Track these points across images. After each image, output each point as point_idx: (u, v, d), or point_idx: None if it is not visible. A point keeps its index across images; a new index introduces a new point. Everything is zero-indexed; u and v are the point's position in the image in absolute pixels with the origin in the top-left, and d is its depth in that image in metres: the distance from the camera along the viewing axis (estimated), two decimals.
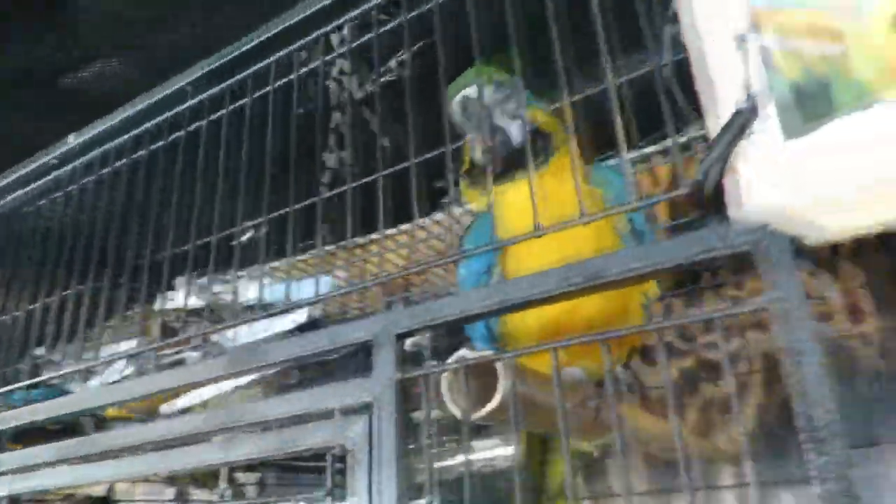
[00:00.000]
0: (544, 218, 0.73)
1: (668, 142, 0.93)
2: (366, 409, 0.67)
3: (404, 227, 2.08)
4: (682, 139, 1.93)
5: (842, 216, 0.50)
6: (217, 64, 1.05)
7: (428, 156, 0.95)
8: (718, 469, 1.63)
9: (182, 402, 1.57)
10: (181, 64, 1.09)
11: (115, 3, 1.38)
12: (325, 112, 1.82)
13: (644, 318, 0.98)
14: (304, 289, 1.42)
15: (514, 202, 0.95)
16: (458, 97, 1.04)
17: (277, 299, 1.38)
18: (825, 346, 0.47)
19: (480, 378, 0.66)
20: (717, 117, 0.56)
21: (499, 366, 0.63)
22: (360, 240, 2.24)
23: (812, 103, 0.53)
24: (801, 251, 0.50)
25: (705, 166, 0.52)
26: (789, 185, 0.51)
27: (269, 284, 1.44)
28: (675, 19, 0.66)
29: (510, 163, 1.01)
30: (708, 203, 0.54)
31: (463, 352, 0.65)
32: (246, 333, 1.31)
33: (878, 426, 1.46)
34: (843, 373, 1.50)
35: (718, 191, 0.54)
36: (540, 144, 1.02)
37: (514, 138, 1.03)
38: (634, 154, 1.60)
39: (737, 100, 0.51)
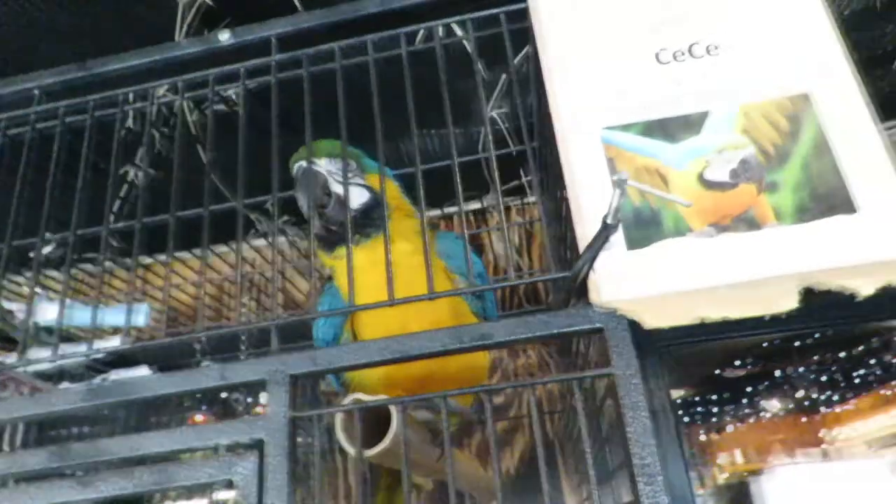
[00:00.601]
0: (384, 283, 0.83)
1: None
2: (256, 446, 0.71)
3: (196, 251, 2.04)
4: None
5: (666, 311, 0.69)
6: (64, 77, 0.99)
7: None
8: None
9: None
10: None
11: None
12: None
13: (487, 361, 1.12)
14: (112, 314, 1.34)
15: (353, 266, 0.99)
16: (296, 168, 1.10)
17: (83, 323, 1.28)
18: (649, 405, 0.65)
19: (368, 419, 0.74)
20: (581, 223, 0.74)
21: (392, 409, 0.72)
22: (147, 260, 2.13)
23: (648, 225, 0.73)
24: (640, 332, 0.68)
25: (580, 264, 0.69)
26: (629, 284, 0.70)
27: (69, 307, 1.32)
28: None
29: (340, 227, 1.07)
30: (577, 290, 0.71)
31: (358, 394, 0.72)
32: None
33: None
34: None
35: (584, 281, 0.71)
36: (375, 211, 1.10)
37: (349, 204, 1.08)
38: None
39: (604, 215, 0.68)
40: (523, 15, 0.93)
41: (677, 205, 0.73)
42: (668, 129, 0.77)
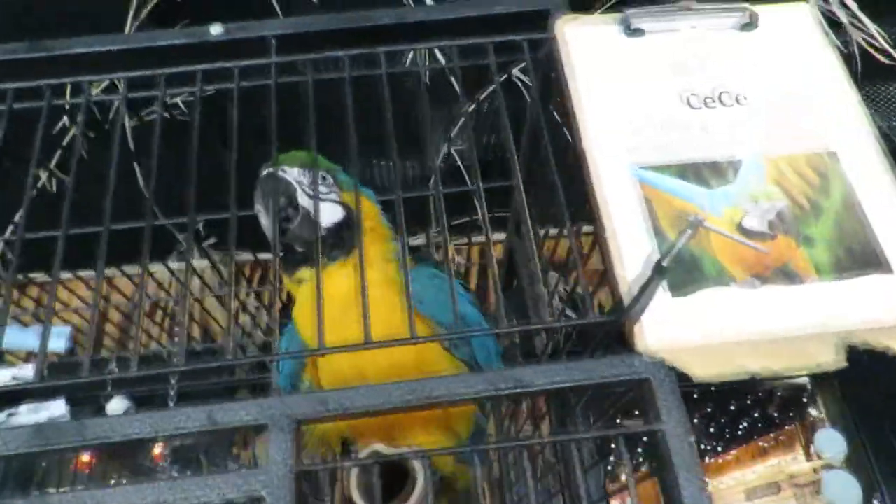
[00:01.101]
0: (347, 317, 0.75)
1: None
2: None
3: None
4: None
5: (713, 361, 0.65)
6: None
7: None
8: None
9: None
10: None
11: None
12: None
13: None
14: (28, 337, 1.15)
15: (332, 291, 0.87)
16: (262, 175, 0.98)
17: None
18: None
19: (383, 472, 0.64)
20: (621, 265, 0.70)
21: (416, 464, 0.63)
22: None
23: (690, 271, 0.69)
24: (688, 384, 0.64)
25: (631, 308, 0.64)
26: (675, 332, 0.66)
27: None
28: None
29: (308, 246, 0.96)
30: (620, 336, 0.66)
31: (377, 446, 0.63)
32: None
33: None
34: None
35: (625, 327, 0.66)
36: (347, 231, 0.99)
37: (320, 221, 0.94)
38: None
39: (659, 258, 0.64)
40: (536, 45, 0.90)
41: (719, 254, 0.70)
42: (702, 173, 0.75)
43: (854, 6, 1.22)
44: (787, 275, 0.70)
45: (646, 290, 0.64)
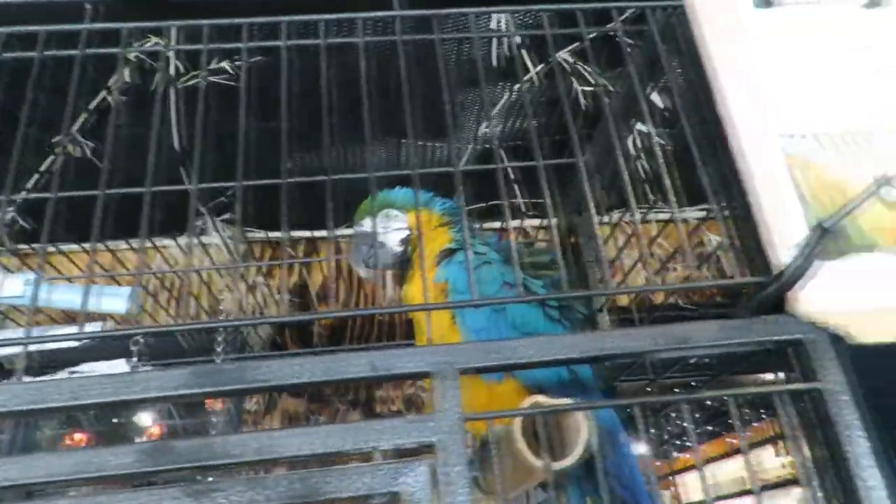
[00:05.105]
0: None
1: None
2: (424, 452, 0.58)
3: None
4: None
5: (870, 326, 0.66)
6: None
7: None
8: None
9: None
10: None
11: None
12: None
13: None
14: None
15: (409, 293, 1.17)
16: (354, 230, 1.23)
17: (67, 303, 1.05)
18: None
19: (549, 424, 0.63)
20: (767, 229, 0.70)
21: (580, 416, 0.62)
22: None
23: (836, 237, 0.69)
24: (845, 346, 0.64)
25: (792, 269, 0.64)
26: (833, 296, 0.66)
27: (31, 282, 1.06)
28: None
29: (399, 266, 1.22)
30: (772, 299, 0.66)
31: (538, 397, 0.61)
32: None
33: None
34: None
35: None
36: (411, 248, 1.21)
37: (393, 248, 1.21)
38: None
39: (821, 220, 0.64)
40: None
41: (861, 220, 0.71)
42: (847, 142, 0.75)
43: None
44: None
45: (807, 253, 0.64)
